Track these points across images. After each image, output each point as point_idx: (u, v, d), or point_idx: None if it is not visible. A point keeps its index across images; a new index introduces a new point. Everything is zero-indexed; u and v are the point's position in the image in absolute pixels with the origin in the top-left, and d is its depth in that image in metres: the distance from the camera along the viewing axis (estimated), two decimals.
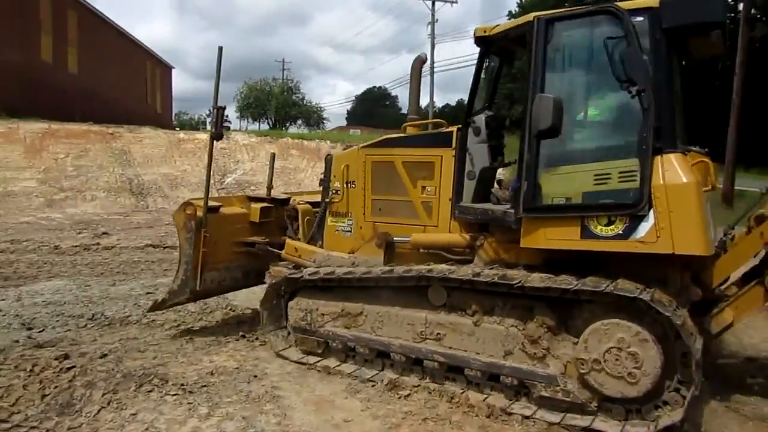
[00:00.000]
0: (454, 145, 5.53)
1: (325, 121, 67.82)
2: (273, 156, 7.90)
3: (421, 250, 5.64)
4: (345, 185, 6.15)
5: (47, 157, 21.92)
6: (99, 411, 4.44)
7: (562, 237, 4.55)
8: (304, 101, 65.45)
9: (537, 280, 4.51)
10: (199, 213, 6.24)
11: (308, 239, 6.62)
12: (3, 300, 7.75)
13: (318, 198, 7.30)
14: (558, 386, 4.54)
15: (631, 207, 4.28)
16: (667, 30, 4.40)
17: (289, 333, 5.98)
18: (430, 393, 4.81)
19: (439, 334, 5.05)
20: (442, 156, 5.61)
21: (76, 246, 12.18)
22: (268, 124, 62.41)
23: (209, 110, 9.17)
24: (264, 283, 6.72)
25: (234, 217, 6.75)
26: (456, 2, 47.89)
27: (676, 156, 4.29)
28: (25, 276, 9.41)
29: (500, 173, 6.15)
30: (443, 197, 5.61)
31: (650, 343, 4.19)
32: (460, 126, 5.54)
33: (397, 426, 4.30)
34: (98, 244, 12.60)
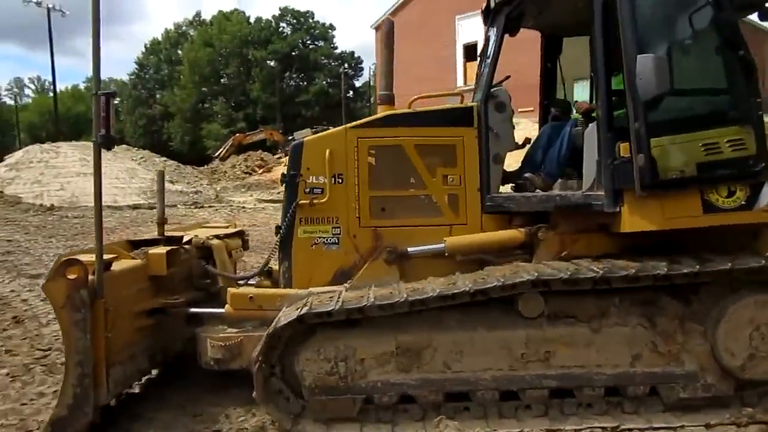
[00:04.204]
0: (476, 123, 4.53)
1: None
2: (161, 174, 5.22)
3: (459, 257, 4.43)
4: (330, 180, 4.44)
5: None
6: None
7: (684, 214, 4.10)
8: None
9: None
10: (91, 275, 3.75)
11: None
12: None
13: (216, 230, 5.57)
14: (698, 383, 4.05)
15: (753, 175, 4.10)
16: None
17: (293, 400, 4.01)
18: None
19: (547, 352, 4.01)
20: (463, 137, 4.53)
21: None
22: None
23: None
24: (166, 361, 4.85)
25: (130, 273, 4.22)
26: None
27: None
28: None
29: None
30: (470, 188, 4.53)
31: None
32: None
33: None
34: None
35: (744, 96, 4.14)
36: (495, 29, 4.71)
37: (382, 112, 4.77)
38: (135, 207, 22.36)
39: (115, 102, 3.85)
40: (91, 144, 3.84)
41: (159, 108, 65.40)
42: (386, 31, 4.86)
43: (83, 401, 3.71)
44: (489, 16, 4.86)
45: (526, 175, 4.81)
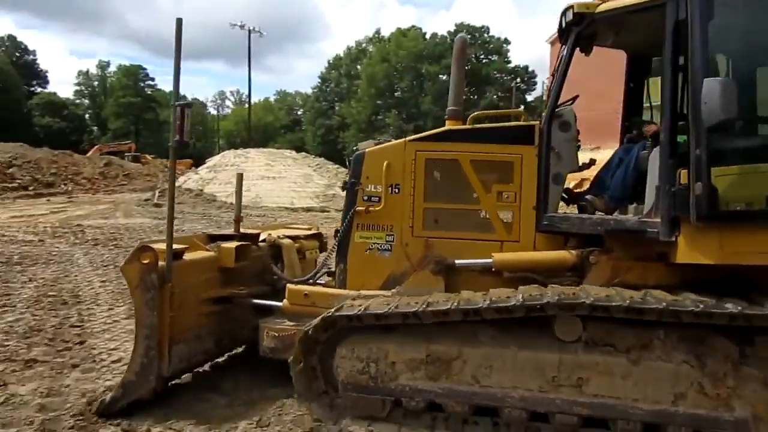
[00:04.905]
0: (536, 141, 4.51)
1: None
2: (240, 177, 5.85)
3: (507, 274, 4.43)
4: (387, 189, 4.66)
5: None
6: None
7: (748, 250, 3.80)
8: None
9: None
10: (162, 261, 4.27)
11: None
12: None
13: (294, 231, 6.05)
14: None
15: None
16: None
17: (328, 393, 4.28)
18: None
19: (580, 378, 3.91)
20: (522, 155, 4.53)
21: None
22: None
23: None
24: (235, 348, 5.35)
25: (201, 263, 4.75)
26: None
27: None
28: None
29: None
30: (525, 206, 4.51)
31: None
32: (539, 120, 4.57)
33: None
34: None
35: None
36: (566, 48, 4.64)
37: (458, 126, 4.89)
38: (308, 209, 24.01)
39: (190, 111, 4.34)
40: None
41: (337, 119, 69.33)
42: (458, 48, 4.98)
43: (148, 370, 4.26)
44: (563, 36, 4.79)
45: (587, 196, 4.69)
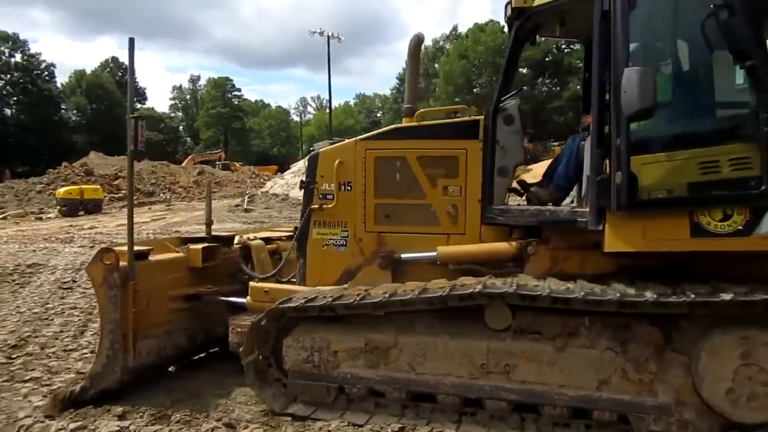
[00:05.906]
0: (481, 136, 4.61)
1: None
2: (209, 184, 6.28)
3: (451, 266, 4.58)
4: (338, 187, 4.90)
5: None
6: None
7: (669, 237, 3.80)
8: None
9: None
10: (123, 261, 4.61)
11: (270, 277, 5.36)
12: None
13: (276, 234, 6.37)
14: (672, 417, 3.74)
15: (755, 198, 3.64)
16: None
17: (279, 380, 4.57)
18: None
19: (507, 365, 4.02)
20: (467, 149, 4.65)
21: None
22: None
23: None
24: (214, 348, 5.65)
25: (168, 263, 5.10)
26: None
27: None
28: None
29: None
30: (471, 199, 4.64)
31: None
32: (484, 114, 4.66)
33: None
34: None
35: (753, 111, 3.70)
36: (509, 42, 4.71)
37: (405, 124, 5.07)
38: None
39: (143, 123, 4.83)
40: None
41: None
42: (413, 44, 5.13)
43: (114, 362, 4.58)
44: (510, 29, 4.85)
45: (532, 188, 4.74)
